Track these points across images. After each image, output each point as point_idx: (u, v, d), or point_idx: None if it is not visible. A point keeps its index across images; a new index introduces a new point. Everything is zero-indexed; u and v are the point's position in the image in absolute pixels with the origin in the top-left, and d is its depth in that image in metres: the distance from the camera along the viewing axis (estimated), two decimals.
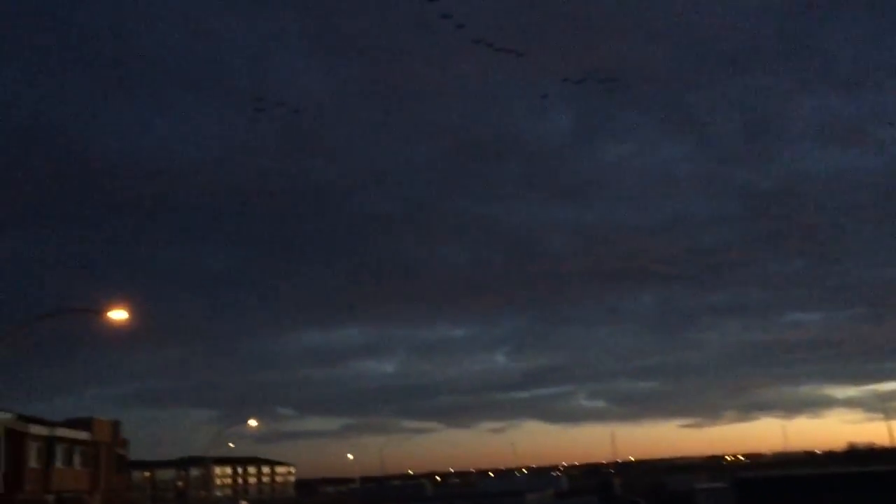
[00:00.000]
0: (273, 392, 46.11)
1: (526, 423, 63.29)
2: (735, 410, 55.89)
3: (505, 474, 33.04)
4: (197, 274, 41.28)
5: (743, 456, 42.98)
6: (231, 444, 18.68)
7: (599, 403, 52.89)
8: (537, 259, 42.79)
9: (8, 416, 11.05)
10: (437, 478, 38.06)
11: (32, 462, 11.47)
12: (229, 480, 35.03)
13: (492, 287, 43.49)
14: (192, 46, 31.34)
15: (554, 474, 28.93)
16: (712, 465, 33.20)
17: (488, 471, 39.25)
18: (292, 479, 38.75)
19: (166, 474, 32.06)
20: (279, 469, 38.23)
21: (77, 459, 12.62)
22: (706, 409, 55.62)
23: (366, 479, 29.52)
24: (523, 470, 36.63)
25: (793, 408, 57.10)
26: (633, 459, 40.97)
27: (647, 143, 39.49)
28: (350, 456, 51.65)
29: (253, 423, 17.30)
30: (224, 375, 46.76)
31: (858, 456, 23.56)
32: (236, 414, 29.97)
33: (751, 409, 59.89)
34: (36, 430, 11.58)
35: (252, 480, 36.66)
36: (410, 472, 38.73)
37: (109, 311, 7.76)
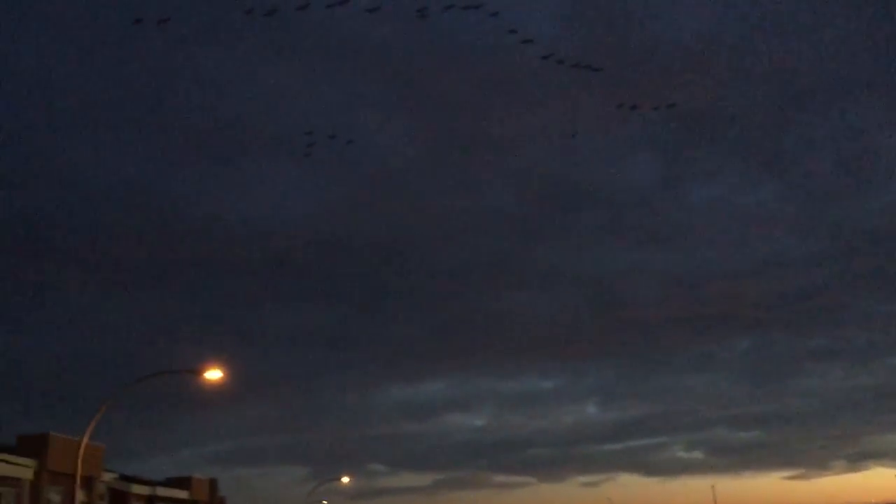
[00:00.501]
0: (364, 448, 46.33)
1: (621, 476, 61.78)
2: (843, 460, 53.61)
3: None
4: (287, 332, 41.99)
5: None
6: (325, 502, 18.78)
7: (697, 455, 51.37)
8: (625, 306, 42.15)
9: (111, 476, 11.34)
10: None
11: None
12: None
13: (580, 336, 42.98)
14: (281, 110, 32.33)
15: None
16: None
17: None
18: None
19: None
20: None
21: None
22: (812, 460, 53.41)
23: None
24: None
25: None
26: None
27: (735, 184, 38.76)
28: None
29: (346, 479, 17.34)
30: (317, 432, 47.16)
31: None
32: (329, 470, 30.17)
33: (860, 458, 57.26)
34: (137, 489, 11.84)
35: None
36: None
37: (205, 370, 7.94)
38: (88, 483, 10.44)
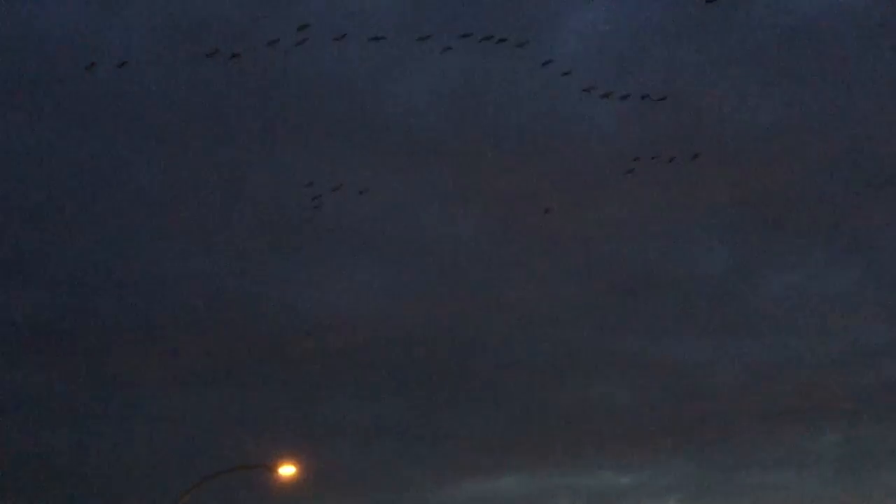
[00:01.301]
0: None
1: None
2: None
3: None
4: (359, 425, 41.55)
5: None
6: None
7: None
8: (705, 398, 40.42)
9: None
10: None
11: None
12: None
13: (657, 429, 41.26)
14: (355, 206, 32.66)
15: None
16: None
17: None
18: None
19: None
20: None
21: None
22: None
23: None
24: None
25: None
26: None
27: (814, 270, 37.25)
28: None
29: None
30: None
31: None
32: None
33: None
34: None
35: None
36: None
37: (279, 466, 7.91)
38: None
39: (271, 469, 8.09)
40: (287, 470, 8.13)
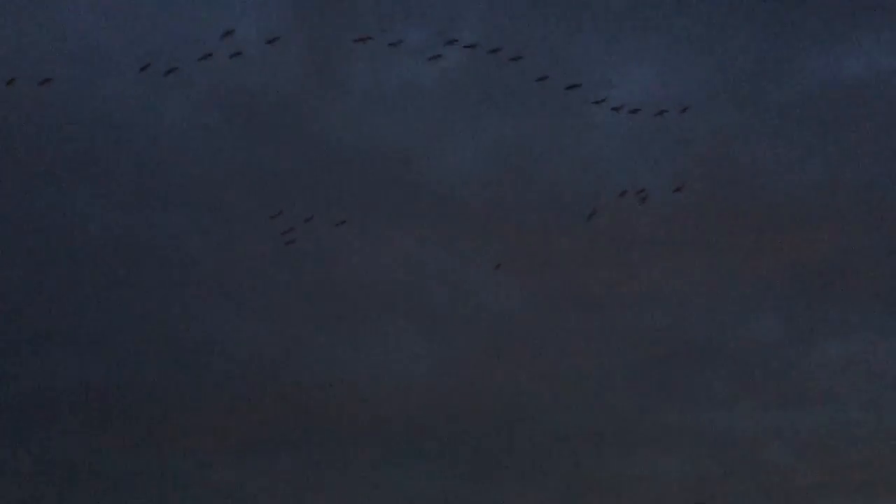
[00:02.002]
0: None
1: None
2: None
3: None
4: (402, 497, 40.95)
5: None
6: None
7: None
8: (760, 471, 39.28)
9: None
10: None
11: None
12: None
13: (706, 503, 40.14)
14: (395, 273, 32.73)
15: None
16: None
17: None
18: None
19: None
20: None
21: None
22: None
23: None
24: None
25: None
26: None
27: (871, 339, 36.20)
28: None
29: None
30: None
31: None
32: None
33: None
34: None
35: None
36: None
37: None
38: None
39: None
40: None
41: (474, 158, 10.23)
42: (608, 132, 9.58)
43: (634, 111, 7.39)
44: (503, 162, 10.50)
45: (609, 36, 10.21)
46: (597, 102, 7.40)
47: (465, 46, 6.82)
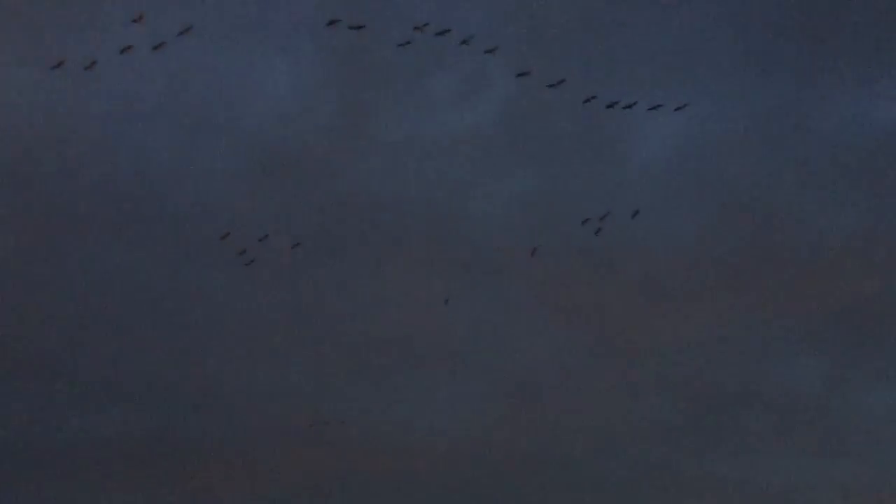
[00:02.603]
0: None
1: None
2: None
3: None
4: None
5: None
6: None
7: None
8: None
9: None
10: None
11: None
12: None
13: None
14: (426, 321, 32.58)
15: None
16: None
17: None
18: None
19: None
20: None
21: None
22: None
23: None
24: None
25: None
26: None
27: None
28: None
29: None
30: None
31: None
32: None
33: None
34: None
35: None
36: None
37: None
38: None
39: None
40: None
41: (503, 208, 10.27)
42: (636, 180, 9.57)
43: (629, 106, 7.40)
44: (533, 212, 10.51)
45: (641, 82, 10.26)
46: (586, 101, 7.42)
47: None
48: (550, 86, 7.10)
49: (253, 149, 10.01)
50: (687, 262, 11.15)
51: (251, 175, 9.69)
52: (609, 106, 7.41)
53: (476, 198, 10.44)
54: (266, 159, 9.67)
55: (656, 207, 8.67)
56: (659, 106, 7.65)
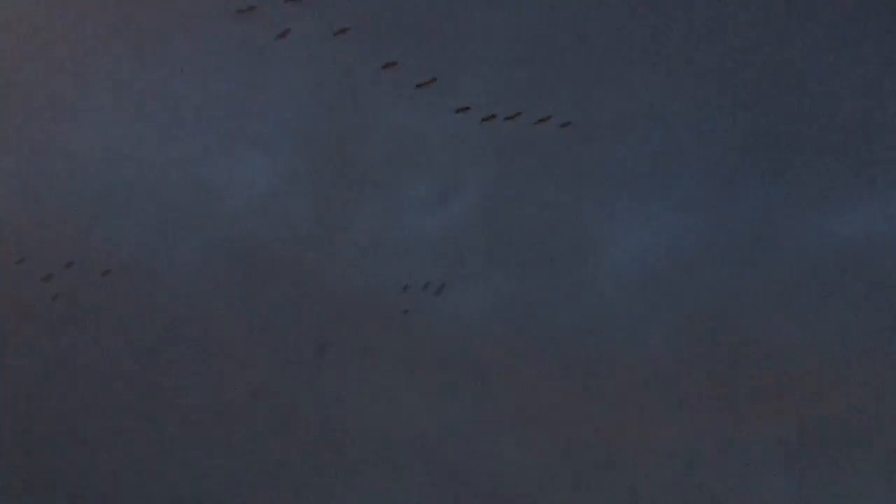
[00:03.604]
0: None
1: None
2: None
3: None
4: None
5: None
6: None
7: None
8: None
9: None
10: None
11: None
12: None
13: None
14: (397, 424, 31.46)
15: None
16: None
17: None
18: None
19: None
20: None
21: None
22: None
23: None
24: None
25: None
26: None
27: (892, 501, 34.38)
28: None
29: None
30: None
31: None
32: None
33: None
34: None
35: None
36: None
37: None
38: None
39: None
40: None
41: (477, 310, 10.21)
42: (609, 290, 9.62)
43: (565, 125, 7.40)
44: (504, 315, 10.48)
45: (607, 201, 10.41)
46: (485, 120, 7.40)
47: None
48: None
49: (225, 240, 9.97)
50: (658, 373, 11.07)
51: (221, 267, 9.61)
52: (507, 118, 7.40)
53: (449, 298, 10.40)
54: (238, 252, 9.61)
55: (627, 317, 8.65)
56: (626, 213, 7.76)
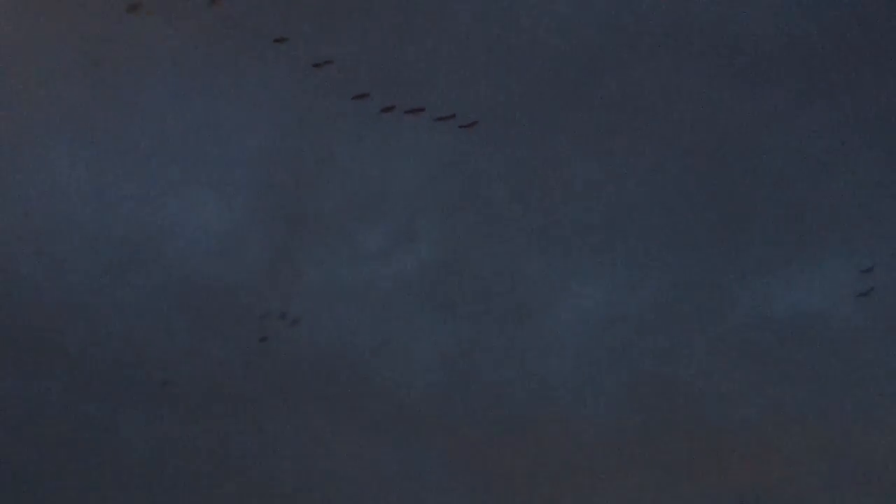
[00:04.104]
0: None
1: None
2: None
3: None
4: None
5: None
6: None
7: None
8: None
9: None
10: None
11: None
12: None
13: None
14: (341, 472, 31.29)
15: None
16: None
17: None
18: None
19: None
20: None
21: None
22: None
23: None
24: None
25: None
26: None
27: None
28: None
29: None
30: None
31: None
32: None
33: None
34: None
35: None
36: None
37: None
38: None
39: None
40: None
41: (423, 362, 10.17)
42: (555, 349, 9.65)
43: (468, 125, 7.34)
44: (448, 370, 10.44)
45: (557, 259, 10.50)
46: (413, 110, 7.21)
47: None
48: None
49: (173, 282, 9.83)
50: (599, 434, 11.10)
51: (168, 308, 9.46)
52: (408, 111, 7.32)
53: (394, 352, 10.34)
54: (186, 294, 9.47)
55: (572, 377, 8.68)
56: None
